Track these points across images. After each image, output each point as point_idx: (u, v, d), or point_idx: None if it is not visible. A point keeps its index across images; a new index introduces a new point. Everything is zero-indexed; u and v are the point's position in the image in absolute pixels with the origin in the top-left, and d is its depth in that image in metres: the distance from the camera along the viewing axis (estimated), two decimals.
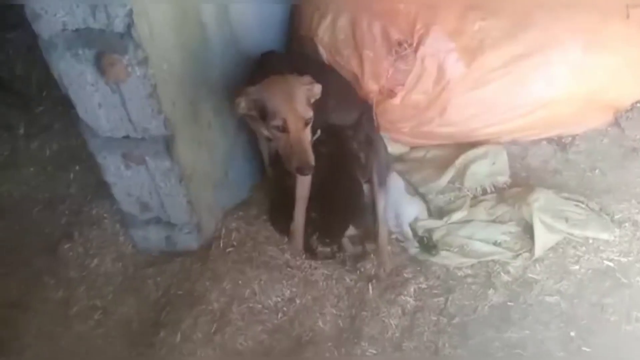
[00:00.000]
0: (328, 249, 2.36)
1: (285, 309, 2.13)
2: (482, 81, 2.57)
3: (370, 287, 2.23)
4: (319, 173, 2.38)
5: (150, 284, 2.18)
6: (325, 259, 2.35)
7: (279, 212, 2.45)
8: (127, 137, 1.86)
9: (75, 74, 1.67)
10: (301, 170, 1.92)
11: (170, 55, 1.78)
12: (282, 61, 2.23)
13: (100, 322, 2.12)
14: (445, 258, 2.36)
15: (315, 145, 2.37)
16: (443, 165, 2.70)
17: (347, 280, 2.27)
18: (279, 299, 2.14)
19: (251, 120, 2.15)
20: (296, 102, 1.90)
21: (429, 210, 2.54)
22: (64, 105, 2.82)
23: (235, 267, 2.17)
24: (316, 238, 2.35)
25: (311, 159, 1.91)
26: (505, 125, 2.70)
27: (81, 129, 1.87)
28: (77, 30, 1.60)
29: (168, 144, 1.87)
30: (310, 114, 1.93)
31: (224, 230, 2.32)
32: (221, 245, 2.27)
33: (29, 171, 2.63)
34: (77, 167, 2.63)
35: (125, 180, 1.99)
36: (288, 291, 2.16)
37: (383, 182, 2.47)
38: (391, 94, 2.57)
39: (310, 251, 2.37)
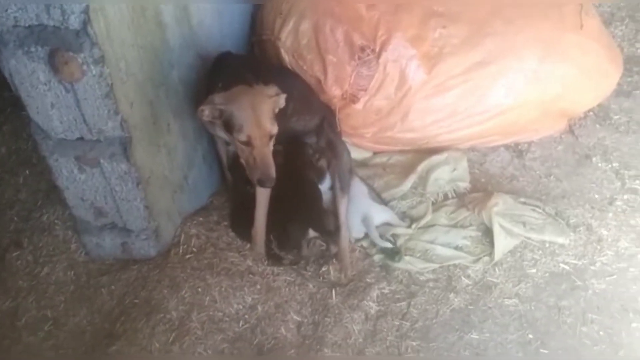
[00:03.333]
0: (289, 255, 2.33)
1: (246, 316, 2.08)
2: (442, 88, 2.61)
3: (333, 292, 2.21)
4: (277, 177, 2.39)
5: (104, 293, 2.10)
6: (288, 265, 2.31)
7: (240, 217, 2.41)
8: (81, 139, 1.78)
9: (27, 73, 1.60)
10: (262, 183, 1.90)
11: (128, 54, 1.72)
12: (239, 63, 2.20)
13: (51, 334, 2.03)
14: (408, 263, 2.37)
15: (274, 149, 2.36)
16: (405, 171, 2.71)
17: (310, 286, 2.24)
18: (241, 307, 2.09)
19: (210, 125, 2.11)
20: (262, 118, 1.87)
21: (399, 215, 2.54)
22: (14, 107, 2.72)
23: (194, 274, 2.11)
24: (275, 244, 2.33)
25: (273, 172, 1.89)
26: (464, 131, 2.74)
27: (32, 131, 1.79)
28: (29, 26, 1.52)
29: (125, 146, 1.80)
30: (275, 129, 1.90)
31: (183, 237, 2.26)
32: (180, 251, 2.20)
33: None
34: (27, 172, 2.51)
35: (79, 184, 1.90)
36: (250, 298, 2.12)
37: (345, 187, 2.46)
38: (354, 99, 2.56)
39: (272, 257, 2.33)
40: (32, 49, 1.54)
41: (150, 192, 2.00)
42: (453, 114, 2.67)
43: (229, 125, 1.89)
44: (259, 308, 2.10)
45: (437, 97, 2.62)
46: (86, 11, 1.47)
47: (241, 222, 2.39)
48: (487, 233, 2.43)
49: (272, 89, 1.97)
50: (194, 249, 2.22)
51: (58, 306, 2.09)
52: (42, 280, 2.15)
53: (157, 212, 2.08)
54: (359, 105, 2.60)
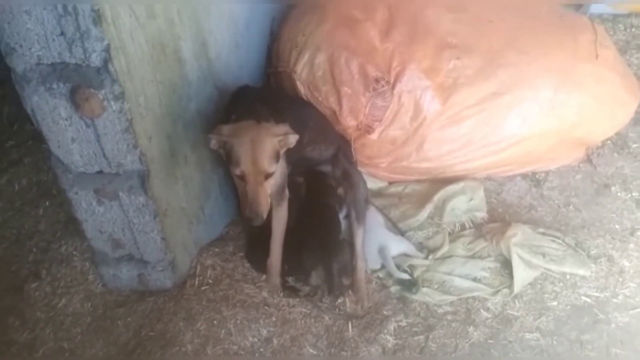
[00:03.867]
0: (307, 287, 2.32)
1: (262, 349, 2.06)
2: (457, 118, 2.61)
3: (349, 325, 2.18)
4: (295, 207, 2.40)
5: (121, 324, 2.09)
6: (303, 297, 2.30)
7: (255, 248, 2.41)
8: (100, 172, 1.81)
9: (49, 109, 1.63)
10: (250, 221, 1.87)
11: (147, 90, 1.75)
12: (257, 95, 2.22)
13: None
14: (425, 295, 2.34)
15: (292, 179, 2.38)
16: (421, 200, 2.70)
17: (326, 318, 2.21)
18: (256, 339, 2.07)
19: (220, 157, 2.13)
20: (260, 157, 1.85)
21: (416, 246, 2.52)
22: (35, 140, 2.78)
23: (210, 306, 2.11)
24: (289, 275, 2.33)
25: (263, 211, 1.87)
26: (480, 161, 2.73)
27: (52, 164, 1.82)
28: (52, 64, 1.57)
29: (143, 179, 1.82)
30: (273, 168, 1.89)
31: (199, 268, 2.27)
32: (196, 283, 2.21)
33: None
34: (47, 203, 2.55)
35: (97, 216, 1.93)
36: (265, 331, 2.10)
37: (361, 218, 2.45)
38: (369, 129, 2.58)
39: (288, 288, 2.32)
40: (54, 86, 1.58)
41: (167, 224, 2.01)
42: (468, 144, 2.66)
43: (229, 157, 1.89)
44: (275, 341, 2.08)
45: (452, 127, 2.62)
46: (107, 49, 1.51)
47: (257, 253, 2.39)
48: (506, 264, 2.39)
49: (282, 128, 1.96)
50: (210, 281, 2.23)
51: (75, 338, 2.09)
52: (60, 312, 2.16)
53: (173, 244, 2.09)
54: (374, 136, 2.61)
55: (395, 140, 2.64)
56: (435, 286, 2.38)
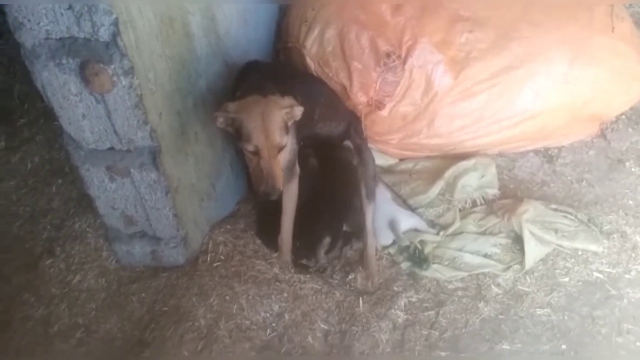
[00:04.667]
0: (319, 262, 2.33)
1: (274, 324, 2.08)
2: (469, 93, 2.58)
3: (360, 301, 2.19)
4: (306, 183, 2.39)
5: (134, 300, 2.12)
6: (314, 273, 2.31)
7: (266, 224, 2.42)
8: (111, 149, 1.81)
9: (59, 84, 1.63)
10: (267, 195, 1.84)
11: (157, 65, 1.74)
12: (266, 71, 2.21)
13: (83, 341, 2.05)
14: (436, 271, 2.34)
15: (303, 154, 2.37)
16: (432, 177, 2.69)
17: (337, 294, 2.23)
18: (268, 315, 2.09)
19: (229, 134, 2.12)
20: (272, 129, 1.83)
21: (428, 223, 2.52)
22: (46, 117, 2.79)
23: (222, 282, 2.12)
24: (298, 250, 2.34)
25: (279, 184, 1.85)
26: (492, 137, 2.70)
27: (64, 141, 1.82)
28: (61, 39, 1.56)
29: (154, 156, 1.82)
30: (285, 140, 1.87)
31: (210, 244, 2.28)
32: (208, 259, 2.22)
33: (9, 185, 2.55)
34: (59, 181, 2.56)
35: (110, 193, 1.93)
36: (277, 306, 2.11)
37: (371, 195, 2.44)
38: (379, 105, 2.55)
39: (298, 265, 2.33)
40: (64, 61, 1.57)
41: (179, 201, 2.01)
42: (480, 120, 2.64)
43: (239, 134, 1.87)
44: (286, 316, 2.10)
45: (464, 103, 2.59)
46: (115, 23, 1.49)
47: (268, 230, 2.39)
48: (517, 240, 2.39)
49: (287, 101, 1.94)
50: (222, 257, 2.23)
51: (89, 313, 2.12)
52: (74, 288, 2.18)
53: (185, 220, 2.10)
54: (384, 112, 2.59)
55: (406, 116, 2.62)
56: (446, 262, 2.38)
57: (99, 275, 2.21)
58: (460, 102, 2.59)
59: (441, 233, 2.48)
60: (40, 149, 2.76)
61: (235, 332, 2.01)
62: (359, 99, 2.54)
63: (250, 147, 1.83)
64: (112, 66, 1.57)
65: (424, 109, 2.59)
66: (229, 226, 2.41)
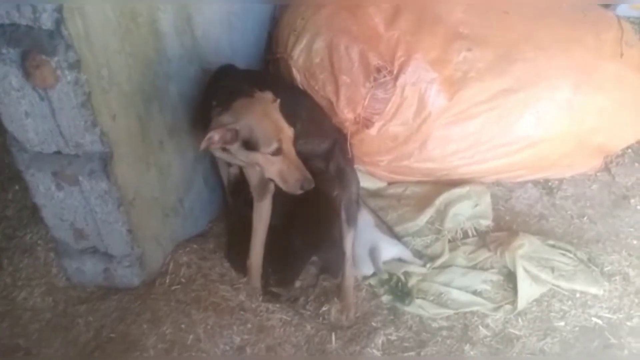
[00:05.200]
0: (292, 291, 2.13)
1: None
2: (465, 116, 2.40)
3: (333, 336, 1.98)
4: (283, 203, 2.20)
5: (81, 323, 1.90)
6: (285, 302, 2.10)
7: (237, 246, 2.21)
8: (58, 152, 1.62)
9: None
10: (304, 186, 1.78)
11: (112, 61, 1.56)
12: (242, 76, 2.03)
13: None
14: (419, 307, 2.14)
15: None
16: (422, 203, 2.49)
17: (308, 327, 2.01)
18: (227, 347, 1.87)
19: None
20: (281, 122, 1.78)
21: (414, 253, 2.31)
22: None
23: (179, 308, 1.91)
24: (271, 277, 2.14)
25: (307, 171, 1.79)
26: (488, 164, 2.51)
27: (7, 142, 1.63)
28: (1, 25, 1.38)
29: (105, 163, 1.63)
30: (292, 129, 1.80)
31: (171, 265, 2.06)
32: (167, 281, 2.00)
33: None
34: (16, 187, 2.35)
35: (57, 202, 1.74)
36: (239, 338, 1.90)
37: (352, 220, 2.24)
38: (368, 123, 2.37)
39: (268, 292, 2.12)
40: (4, 51, 1.39)
41: (135, 215, 1.81)
42: (476, 145, 2.45)
43: (251, 144, 1.74)
44: (248, 350, 1.88)
45: (459, 126, 2.41)
46: (60, 10, 1.32)
47: (238, 251, 2.19)
48: (510, 278, 2.19)
49: (269, 94, 1.84)
50: (183, 280, 2.02)
51: (32, 335, 1.90)
52: (19, 306, 1.97)
53: (142, 237, 1.89)
54: (373, 131, 2.40)
55: (396, 136, 2.43)
56: (431, 298, 2.18)
57: (45, 293, 2.00)
58: (455, 125, 2.41)
59: (428, 265, 2.28)
60: None
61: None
62: (346, 115, 2.35)
63: (274, 147, 1.73)
64: (56, 58, 1.38)
65: (416, 130, 2.41)
66: (196, 246, 2.20)
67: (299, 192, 1.82)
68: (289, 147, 1.78)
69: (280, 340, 1.94)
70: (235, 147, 1.77)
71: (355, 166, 2.46)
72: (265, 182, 2.02)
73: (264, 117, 1.75)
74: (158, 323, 1.85)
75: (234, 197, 2.30)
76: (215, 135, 1.70)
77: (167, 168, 1.98)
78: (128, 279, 1.94)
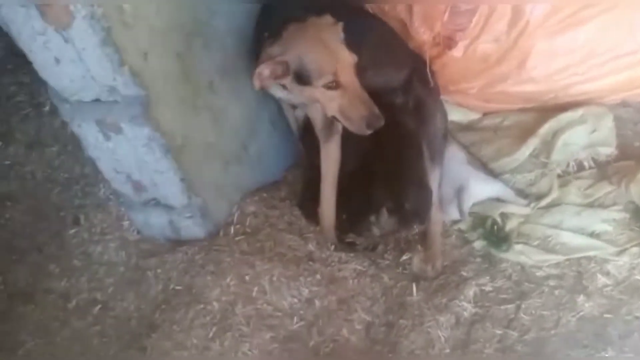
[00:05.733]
0: (370, 238, 1.91)
1: (302, 312, 1.71)
2: (573, 21, 1.96)
3: (414, 288, 1.74)
4: (355, 146, 1.98)
5: (151, 276, 1.86)
6: (362, 251, 1.90)
7: (310, 194, 2.02)
8: (97, 100, 1.53)
9: (21, 21, 1.37)
10: (371, 124, 1.58)
11: None
12: (294, 4, 1.80)
13: (98, 319, 1.84)
14: (520, 254, 1.82)
15: None
16: (524, 134, 2.11)
17: (386, 278, 1.80)
18: (295, 300, 1.72)
19: (273, 87, 1.76)
20: (339, 48, 1.57)
21: (516, 191, 1.98)
22: None
23: (243, 259, 1.79)
24: (347, 225, 1.93)
25: (376, 107, 1.58)
26: (607, 79, 2.06)
27: (49, 94, 1.58)
28: None
29: (145, 107, 1.52)
30: (355, 57, 1.58)
31: (237, 215, 1.95)
32: (231, 232, 1.89)
33: (51, 151, 2.42)
34: None
35: (109, 153, 1.67)
36: (307, 290, 1.74)
37: (437, 157, 1.96)
38: (450, 43, 2.03)
39: (343, 241, 1.93)
40: None
41: (188, 162, 1.70)
42: (590, 56, 2.01)
43: (303, 77, 1.56)
44: (317, 303, 1.71)
45: (566, 35, 1.98)
46: None
47: (310, 199, 2.00)
48: (638, 215, 1.77)
49: (327, 18, 1.62)
50: (248, 230, 1.90)
51: (107, 289, 1.91)
52: (95, 260, 1.99)
53: (200, 186, 1.78)
54: (457, 52, 2.05)
55: (487, 56, 2.06)
56: (535, 242, 1.85)
57: (119, 247, 1.98)
58: (561, 35, 1.98)
59: (532, 205, 1.92)
60: None
61: (254, 319, 1.67)
62: (422, 35, 2.03)
63: (328, 79, 1.54)
64: None
65: (512, 46, 2.01)
66: (265, 194, 2.07)
67: (367, 131, 1.60)
68: (349, 78, 1.56)
69: (353, 292, 1.75)
70: (289, 82, 1.60)
71: (442, 97, 2.15)
72: (329, 121, 1.81)
73: (316, 45, 1.55)
74: (222, 275, 1.75)
75: (305, 142, 2.11)
76: (264, 70, 1.55)
77: (222, 112, 1.84)
78: (192, 231, 1.86)
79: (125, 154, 1.66)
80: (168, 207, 1.81)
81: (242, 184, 2.01)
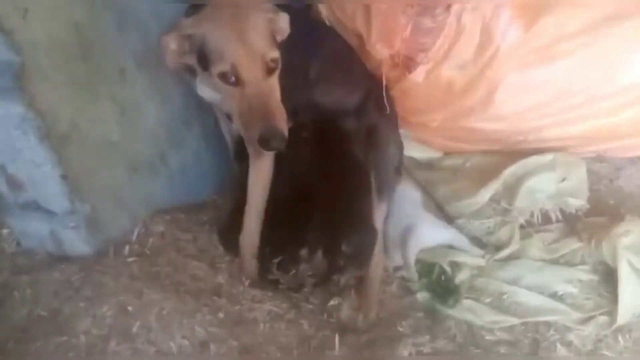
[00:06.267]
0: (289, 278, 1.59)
1: (191, 359, 1.35)
2: (548, 54, 1.73)
3: (337, 340, 1.41)
4: (293, 168, 1.70)
5: (17, 297, 1.49)
6: (285, 291, 1.57)
7: (236, 220, 1.71)
8: None
9: None
10: (266, 142, 1.31)
11: None
12: None
13: None
14: (469, 311, 1.52)
15: (293, 130, 1.70)
16: (487, 178, 1.84)
17: (305, 325, 1.48)
18: (186, 342, 1.36)
19: (191, 77, 1.51)
20: (251, 36, 1.30)
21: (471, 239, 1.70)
22: None
23: (129, 285, 1.44)
24: (276, 260, 1.61)
25: (281, 123, 1.32)
26: (583, 125, 1.83)
27: None
28: None
29: (18, 77, 1.22)
30: (275, 53, 1.34)
31: (139, 233, 1.62)
32: (126, 251, 1.55)
33: None
34: None
35: None
36: (203, 331, 1.38)
37: (385, 191, 1.70)
38: (410, 64, 1.79)
39: (264, 278, 1.61)
40: None
41: (74, 158, 1.39)
42: (564, 95, 1.78)
43: (203, 59, 1.32)
44: (213, 348, 1.36)
45: (540, 68, 1.75)
46: None
47: (234, 226, 1.69)
48: (609, 278, 1.51)
49: (265, 4, 1.40)
50: (147, 252, 1.56)
51: None
52: None
53: (90, 191, 1.46)
54: (418, 77, 1.81)
55: (451, 85, 1.82)
56: (488, 300, 1.56)
57: None
58: (534, 67, 1.75)
59: (487, 256, 1.63)
60: None
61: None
62: (380, 53, 1.79)
63: (224, 67, 1.29)
64: None
65: (479, 75, 1.78)
66: (182, 215, 1.75)
67: (266, 148, 1.34)
68: (254, 75, 1.30)
69: (262, 339, 1.41)
70: (195, 64, 1.36)
71: (402, 131, 1.90)
72: None
73: (226, 26, 1.31)
74: (98, 302, 1.39)
75: (239, 160, 1.82)
76: (170, 43, 1.33)
77: (134, 108, 1.55)
78: (76, 245, 1.52)
79: None
80: (49, 213, 1.48)
81: (152, 199, 1.69)
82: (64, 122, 1.34)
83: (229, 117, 1.74)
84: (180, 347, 1.35)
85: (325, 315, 1.51)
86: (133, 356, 1.32)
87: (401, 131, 1.91)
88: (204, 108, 1.80)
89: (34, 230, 1.54)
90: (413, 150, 1.99)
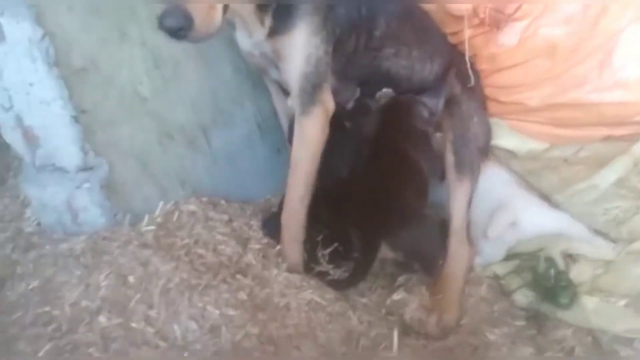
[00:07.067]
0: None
1: (197, 346, 1.01)
2: None
3: (395, 338, 1.01)
4: (353, 147, 1.42)
5: (18, 272, 1.26)
6: (334, 286, 1.22)
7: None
8: None
9: None
10: (162, 21, 0.98)
11: None
12: None
13: None
14: (594, 314, 1.05)
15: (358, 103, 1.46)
16: (604, 159, 1.41)
17: (355, 320, 1.09)
18: (194, 325, 1.04)
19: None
20: None
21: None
22: None
23: (136, 252, 1.16)
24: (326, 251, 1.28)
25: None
26: None
27: None
28: None
29: None
30: None
31: (166, 207, 1.35)
32: (144, 221, 1.28)
33: None
34: None
35: None
36: (217, 312, 1.05)
37: (466, 166, 1.34)
38: (499, 19, 1.46)
39: (310, 269, 1.27)
40: None
41: (89, 98, 1.20)
42: None
43: None
44: (225, 334, 1.01)
45: None
46: None
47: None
48: None
49: None
50: (169, 225, 1.29)
51: None
52: None
53: (109, 145, 1.25)
54: (509, 38, 1.48)
55: (553, 47, 1.46)
56: (623, 301, 1.06)
57: (9, 239, 1.42)
58: None
59: (617, 248, 1.17)
60: None
61: (116, 343, 1.00)
62: (459, 6, 1.48)
63: None
64: None
65: (590, 29, 1.41)
66: (223, 202, 1.47)
67: (160, 27, 0.99)
68: None
69: (293, 330, 1.06)
70: None
71: (491, 118, 1.56)
72: (311, 83, 1.28)
73: None
74: (96, 269, 1.12)
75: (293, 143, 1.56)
76: None
77: (172, 64, 1.37)
78: (91, 215, 1.28)
79: (9, 76, 1.19)
80: (63, 173, 1.27)
81: (188, 177, 1.45)
82: (79, 53, 1.17)
83: (284, 90, 1.52)
84: (185, 331, 1.03)
85: (383, 311, 1.12)
86: (123, 337, 1.00)
87: (491, 119, 1.56)
88: (257, 85, 1.58)
89: (50, 198, 1.33)
90: (506, 139, 1.59)
